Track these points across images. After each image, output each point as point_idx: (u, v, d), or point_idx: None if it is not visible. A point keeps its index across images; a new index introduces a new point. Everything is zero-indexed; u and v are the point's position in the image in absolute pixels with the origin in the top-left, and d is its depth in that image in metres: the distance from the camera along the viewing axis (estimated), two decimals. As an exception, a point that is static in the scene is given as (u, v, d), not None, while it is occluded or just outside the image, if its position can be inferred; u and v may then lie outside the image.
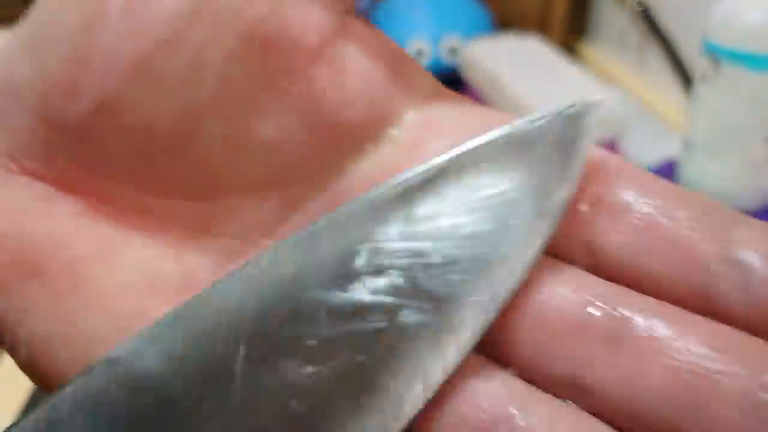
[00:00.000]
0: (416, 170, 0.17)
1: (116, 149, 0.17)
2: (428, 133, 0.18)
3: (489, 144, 0.17)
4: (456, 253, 0.16)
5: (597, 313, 0.15)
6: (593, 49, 0.78)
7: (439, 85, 0.19)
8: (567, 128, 0.17)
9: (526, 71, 0.64)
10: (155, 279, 0.17)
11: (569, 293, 0.16)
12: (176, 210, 0.17)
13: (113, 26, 0.16)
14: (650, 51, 0.70)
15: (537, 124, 0.17)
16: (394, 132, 0.18)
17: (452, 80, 0.72)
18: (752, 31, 0.49)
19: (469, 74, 0.69)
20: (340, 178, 0.18)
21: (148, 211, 0.17)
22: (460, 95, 0.20)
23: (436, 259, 0.16)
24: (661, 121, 0.67)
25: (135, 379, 0.15)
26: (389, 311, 0.16)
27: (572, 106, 0.17)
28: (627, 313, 0.15)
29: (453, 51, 0.72)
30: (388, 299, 0.16)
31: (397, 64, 0.19)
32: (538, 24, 0.77)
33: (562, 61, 0.67)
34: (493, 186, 0.17)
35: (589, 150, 0.17)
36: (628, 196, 0.16)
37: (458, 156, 0.17)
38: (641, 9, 0.69)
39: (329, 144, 0.18)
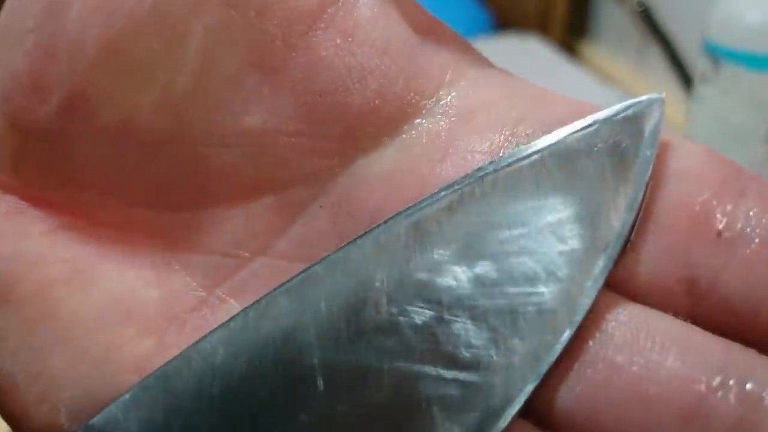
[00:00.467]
0: (436, 195, 0.14)
1: (91, 153, 0.14)
2: (461, 124, 0.14)
3: (528, 164, 0.14)
4: (485, 306, 0.13)
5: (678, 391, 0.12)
6: (593, 49, 0.78)
7: (481, 58, 0.16)
8: (625, 135, 0.14)
9: (526, 71, 0.64)
10: (133, 307, 0.14)
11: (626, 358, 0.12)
12: (158, 222, 0.15)
13: (78, 7, 0.14)
14: (650, 51, 0.70)
15: (587, 132, 0.14)
16: (417, 121, 0.14)
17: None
18: (752, 31, 0.49)
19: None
20: (348, 179, 0.15)
21: (127, 225, 0.15)
22: (505, 71, 0.16)
23: (461, 314, 0.13)
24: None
25: None
26: (401, 378, 0.13)
27: (631, 106, 0.14)
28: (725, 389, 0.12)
29: (453, 51, 0.72)
30: (400, 364, 0.13)
31: (427, 31, 0.15)
32: (538, 24, 0.77)
33: (562, 61, 0.67)
34: (526, 222, 0.13)
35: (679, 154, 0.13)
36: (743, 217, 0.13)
37: (490, 177, 0.14)
38: (641, 9, 0.69)
39: (333, 135, 0.14)
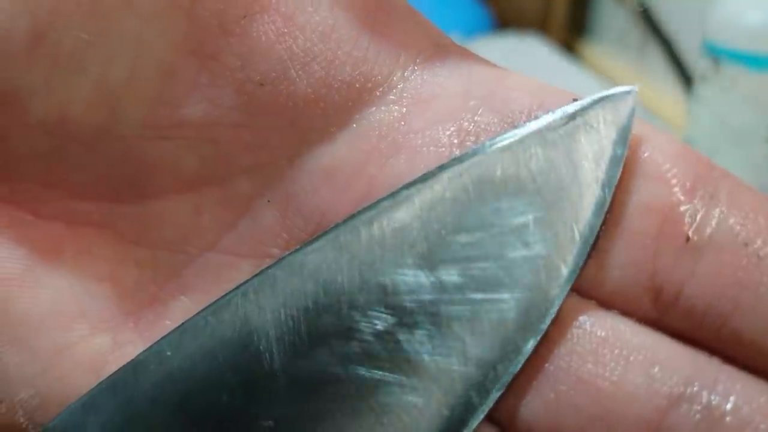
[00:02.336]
0: (397, 194, 0.13)
1: (27, 148, 0.14)
2: (416, 115, 0.14)
3: (491, 163, 0.13)
4: (448, 312, 0.12)
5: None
6: (593, 49, 0.78)
7: (436, 32, 0.15)
8: (595, 132, 0.13)
9: (526, 71, 0.64)
10: (86, 304, 0.14)
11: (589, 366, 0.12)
12: (105, 215, 0.15)
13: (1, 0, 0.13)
14: (650, 51, 0.69)
15: (554, 127, 0.13)
16: (369, 110, 0.14)
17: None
18: (752, 31, 0.49)
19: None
20: (294, 173, 0.14)
21: (75, 219, 0.14)
22: (465, 50, 0.15)
23: (423, 321, 0.12)
24: (661, 121, 0.66)
25: None
26: (361, 385, 0.12)
27: (601, 99, 0.13)
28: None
29: (453, 51, 0.72)
30: (360, 370, 0.12)
31: (375, 9, 0.14)
32: (538, 24, 0.77)
33: (562, 60, 0.66)
34: (490, 224, 0.12)
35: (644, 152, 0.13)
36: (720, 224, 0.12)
37: (452, 176, 0.13)
38: (641, 9, 0.69)
39: (276, 127, 0.14)
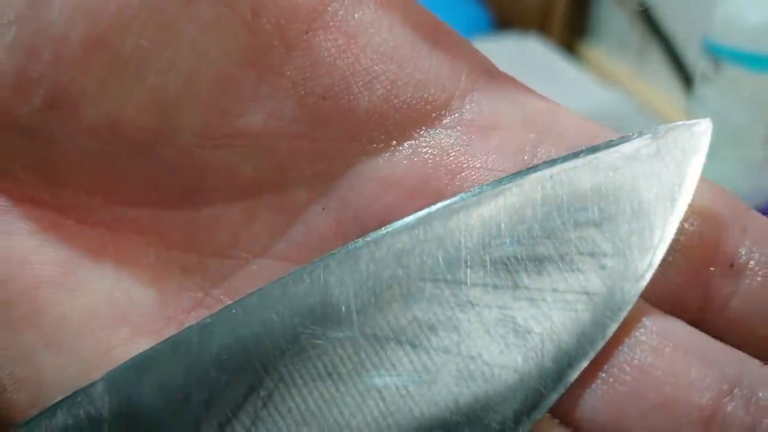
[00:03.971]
0: (482, 190, 0.13)
1: (77, 151, 0.14)
2: (478, 141, 0.14)
3: (572, 170, 0.13)
4: (521, 305, 0.13)
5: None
6: (593, 49, 0.78)
7: (487, 62, 0.16)
8: (671, 154, 0.14)
9: (526, 71, 0.64)
10: (128, 307, 0.14)
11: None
12: (152, 221, 0.15)
13: (60, 2, 0.13)
14: (650, 51, 0.69)
15: (634, 150, 0.13)
16: (430, 131, 0.14)
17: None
18: (753, 32, 0.49)
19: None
20: (352, 181, 0.14)
21: (120, 225, 0.14)
22: (514, 79, 0.16)
23: (495, 314, 0.13)
24: (661, 121, 0.66)
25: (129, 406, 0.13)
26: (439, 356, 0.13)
27: (675, 129, 0.14)
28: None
29: (453, 51, 0.72)
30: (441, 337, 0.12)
31: (433, 34, 0.15)
32: (538, 24, 0.77)
33: (562, 61, 0.66)
34: (563, 240, 0.13)
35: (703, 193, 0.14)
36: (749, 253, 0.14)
37: (534, 179, 0.13)
38: (641, 9, 0.69)
39: (337, 137, 0.14)
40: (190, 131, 0.14)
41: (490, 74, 0.15)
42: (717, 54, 0.50)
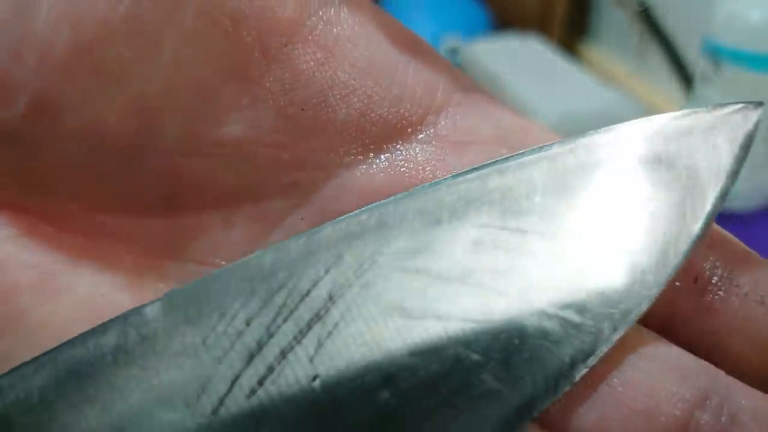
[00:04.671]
0: (524, 154, 0.14)
1: (58, 158, 0.14)
2: (452, 156, 0.15)
3: (629, 134, 0.14)
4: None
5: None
6: (593, 49, 0.78)
7: (463, 78, 0.16)
8: (724, 129, 0.14)
9: (526, 71, 0.64)
10: (106, 314, 0.14)
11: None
12: (132, 229, 0.15)
13: (46, 8, 0.13)
14: (650, 51, 0.70)
15: (691, 121, 0.14)
16: (406, 145, 0.15)
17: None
18: (753, 31, 0.49)
19: (469, 74, 0.69)
20: (332, 191, 0.15)
21: (99, 232, 0.15)
22: (487, 94, 0.16)
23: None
24: (661, 121, 0.66)
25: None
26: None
27: (723, 108, 0.14)
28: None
29: (453, 51, 0.72)
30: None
31: (409, 50, 0.15)
32: (538, 24, 0.77)
33: (562, 61, 0.67)
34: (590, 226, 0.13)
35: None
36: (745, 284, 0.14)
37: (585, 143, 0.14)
38: (641, 9, 0.69)
39: (316, 148, 0.14)
40: (171, 139, 0.14)
41: (465, 90, 0.15)
42: (717, 54, 0.50)
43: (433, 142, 0.15)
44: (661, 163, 0.14)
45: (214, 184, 0.14)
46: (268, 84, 0.14)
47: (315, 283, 0.13)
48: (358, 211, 0.14)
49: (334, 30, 0.14)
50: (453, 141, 0.15)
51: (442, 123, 0.15)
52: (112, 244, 0.15)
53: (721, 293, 0.14)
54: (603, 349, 0.13)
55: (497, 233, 0.14)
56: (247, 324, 0.13)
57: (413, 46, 0.15)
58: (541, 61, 0.67)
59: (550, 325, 0.13)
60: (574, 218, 0.14)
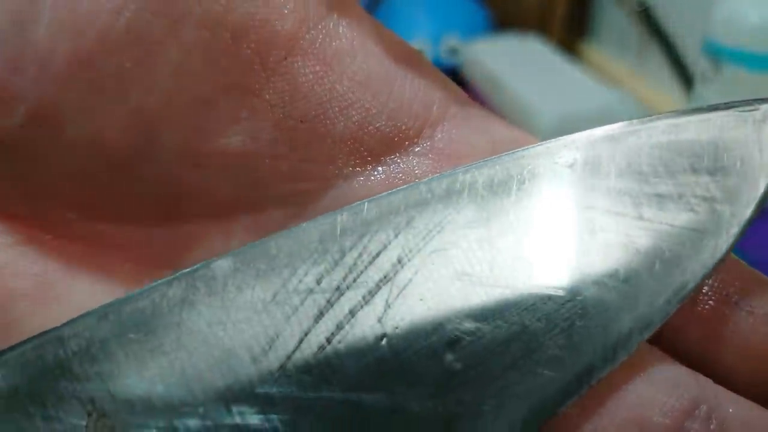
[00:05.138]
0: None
1: (57, 168, 0.14)
2: (449, 166, 0.15)
3: (681, 124, 0.14)
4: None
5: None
6: (593, 49, 0.78)
7: (458, 91, 0.16)
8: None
9: (526, 71, 0.64)
10: None
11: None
12: (130, 238, 0.15)
13: (46, 20, 0.13)
14: (650, 51, 0.70)
15: (741, 114, 0.15)
16: (403, 158, 0.15)
17: (452, 80, 0.72)
18: (753, 32, 0.49)
19: (469, 74, 0.69)
20: (331, 201, 0.15)
21: (97, 240, 0.15)
22: (482, 108, 0.16)
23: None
24: (661, 121, 0.66)
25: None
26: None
27: (746, 106, 0.15)
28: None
29: (453, 51, 0.72)
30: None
31: (407, 63, 0.15)
32: (538, 24, 0.77)
33: (562, 61, 0.67)
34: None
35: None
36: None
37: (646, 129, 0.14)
38: (641, 9, 0.69)
39: (315, 159, 0.15)
40: (170, 151, 0.14)
41: (461, 104, 0.16)
42: (717, 54, 0.51)
43: (430, 155, 0.15)
44: (717, 150, 0.15)
45: (213, 195, 0.15)
46: (267, 96, 0.14)
47: (385, 246, 0.14)
48: (428, 178, 0.14)
49: (333, 43, 0.14)
50: (449, 154, 0.15)
51: (438, 136, 0.15)
52: (110, 253, 0.15)
53: (711, 303, 0.15)
54: (658, 322, 0.14)
55: (563, 207, 0.14)
56: (318, 282, 0.13)
57: (410, 60, 0.15)
58: (541, 61, 0.67)
59: (609, 296, 0.14)
60: (640, 197, 0.14)
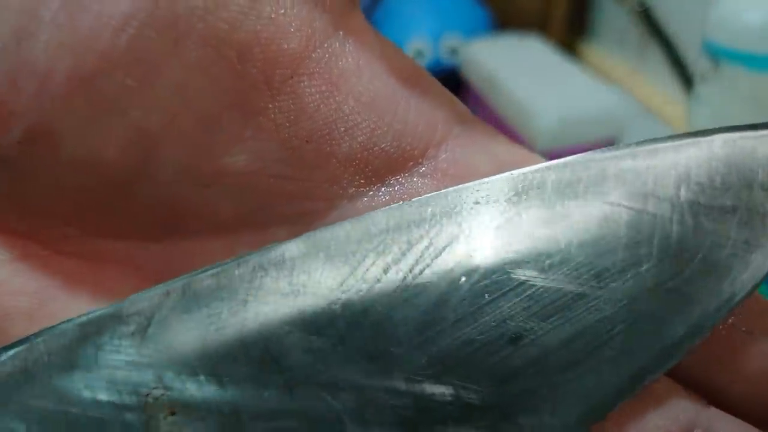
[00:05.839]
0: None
1: (55, 184, 0.14)
2: (447, 181, 0.15)
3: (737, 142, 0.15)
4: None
5: None
6: (593, 49, 0.78)
7: (462, 108, 0.16)
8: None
9: (526, 71, 0.64)
10: None
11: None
12: (130, 254, 0.15)
13: (46, 37, 0.13)
14: (650, 51, 0.70)
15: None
16: (407, 178, 0.15)
17: (452, 80, 0.72)
18: (752, 31, 0.49)
19: (469, 74, 0.69)
20: (332, 221, 0.15)
21: (96, 256, 0.14)
22: (488, 126, 0.16)
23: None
24: (661, 121, 0.66)
25: None
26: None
27: (746, 133, 0.15)
28: None
29: (453, 51, 0.72)
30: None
31: (412, 82, 0.15)
32: (538, 24, 0.77)
33: (562, 61, 0.67)
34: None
35: None
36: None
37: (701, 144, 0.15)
38: (641, 9, 0.69)
39: (320, 179, 0.14)
40: (172, 169, 0.14)
41: (465, 122, 0.16)
42: (717, 54, 0.51)
43: (434, 175, 0.15)
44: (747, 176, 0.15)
45: (215, 213, 0.14)
46: (272, 116, 0.14)
47: (452, 239, 0.14)
48: (495, 177, 0.14)
49: (340, 63, 0.14)
50: (453, 174, 0.15)
51: (442, 156, 0.15)
52: (110, 270, 0.15)
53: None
54: (708, 329, 0.14)
55: (626, 211, 0.14)
56: (385, 272, 0.14)
57: (415, 78, 0.15)
58: (541, 61, 0.67)
59: (665, 301, 0.14)
60: (698, 207, 0.14)
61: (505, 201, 0.14)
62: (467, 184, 0.14)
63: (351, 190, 0.15)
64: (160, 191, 0.14)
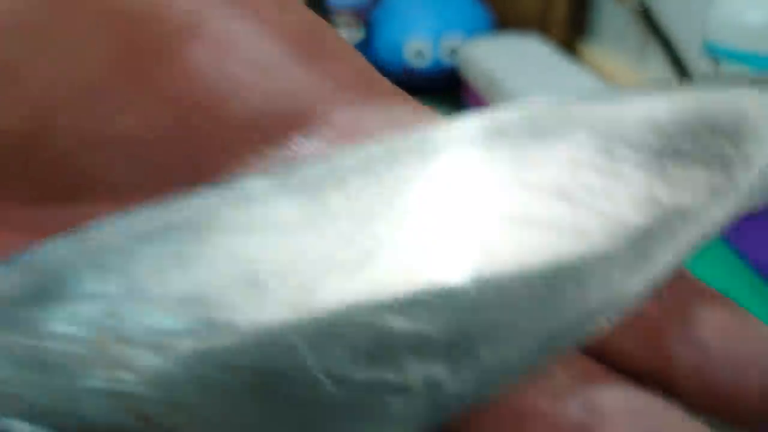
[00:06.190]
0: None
1: None
2: (344, 141, 0.15)
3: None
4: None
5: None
6: (593, 49, 0.78)
7: (369, 70, 0.16)
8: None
9: (526, 71, 0.64)
10: None
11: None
12: (32, 218, 0.15)
13: None
14: (650, 51, 0.70)
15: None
16: (302, 139, 0.15)
17: (452, 80, 0.72)
18: (752, 31, 0.49)
19: (469, 74, 0.69)
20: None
21: (2, 221, 0.14)
22: (395, 89, 0.16)
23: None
24: (661, 121, 0.66)
25: None
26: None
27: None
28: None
29: (453, 51, 0.72)
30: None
31: (311, 45, 0.15)
32: (538, 24, 0.77)
33: (562, 61, 0.67)
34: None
35: None
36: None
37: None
38: (641, 9, 0.69)
39: (211, 147, 0.14)
40: (67, 135, 0.14)
41: (368, 84, 0.15)
42: (717, 54, 0.51)
43: (331, 135, 0.15)
44: (748, 120, 0.15)
45: (112, 178, 0.15)
46: (161, 82, 0.14)
47: (418, 173, 0.13)
48: (465, 117, 0.14)
49: (229, 27, 0.14)
50: (350, 134, 0.15)
51: (339, 117, 0.15)
52: (13, 234, 0.15)
53: (655, 315, 0.14)
54: (670, 270, 0.14)
55: (593, 156, 0.14)
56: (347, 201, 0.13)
57: (314, 41, 0.15)
58: (541, 61, 0.67)
59: (626, 246, 0.14)
60: (663, 152, 0.14)
61: (470, 144, 0.14)
62: (445, 125, 0.14)
63: (243, 154, 0.14)
64: (57, 156, 0.14)
